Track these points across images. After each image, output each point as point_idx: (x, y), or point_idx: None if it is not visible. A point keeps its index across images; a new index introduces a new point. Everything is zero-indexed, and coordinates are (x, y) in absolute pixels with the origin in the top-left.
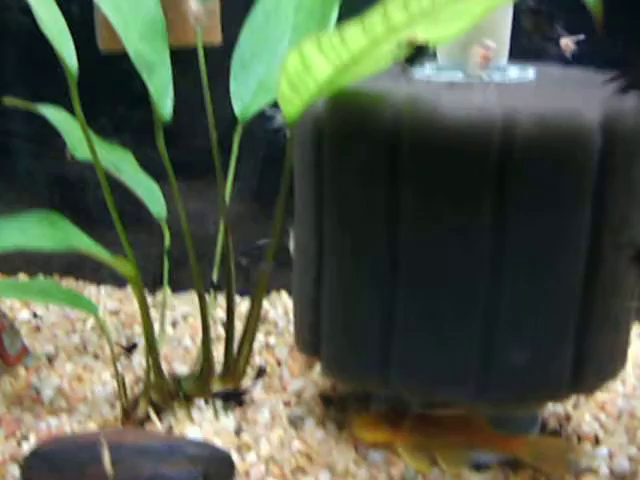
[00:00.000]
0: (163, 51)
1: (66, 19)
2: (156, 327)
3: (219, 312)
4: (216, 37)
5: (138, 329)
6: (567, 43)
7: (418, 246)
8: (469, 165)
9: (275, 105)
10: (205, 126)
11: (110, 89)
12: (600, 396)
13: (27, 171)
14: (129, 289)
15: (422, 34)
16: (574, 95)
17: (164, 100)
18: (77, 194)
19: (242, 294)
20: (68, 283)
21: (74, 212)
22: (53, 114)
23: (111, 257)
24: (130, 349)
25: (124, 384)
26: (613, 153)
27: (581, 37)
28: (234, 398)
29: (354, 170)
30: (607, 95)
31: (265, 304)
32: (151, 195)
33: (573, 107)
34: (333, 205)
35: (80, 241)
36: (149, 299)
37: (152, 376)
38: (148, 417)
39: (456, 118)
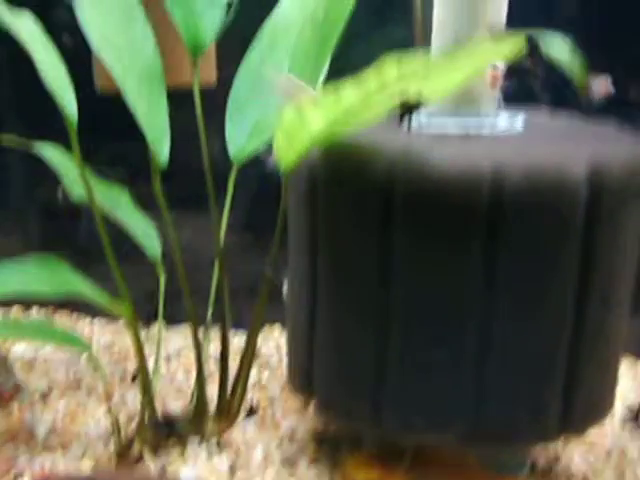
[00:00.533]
0: (161, 98)
1: (63, 54)
2: (150, 363)
3: (211, 347)
4: (211, 77)
5: (132, 364)
6: (602, 84)
7: (410, 292)
8: (460, 217)
9: (270, 146)
10: (199, 160)
11: (106, 122)
12: (589, 435)
13: (21, 202)
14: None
15: (414, 89)
16: (561, 147)
17: (161, 147)
18: (71, 225)
19: (234, 328)
20: (62, 315)
21: (67, 243)
22: (49, 153)
23: (108, 300)
24: (135, 378)
25: (118, 425)
26: (599, 204)
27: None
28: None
29: (348, 218)
30: (593, 147)
31: (258, 341)
32: (146, 235)
33: (560, 161)
34: (327, 251)
35: (78, 285)
36: (142, 333)
37: (146, 415)
38: (142, 456)
39: (447, 172)
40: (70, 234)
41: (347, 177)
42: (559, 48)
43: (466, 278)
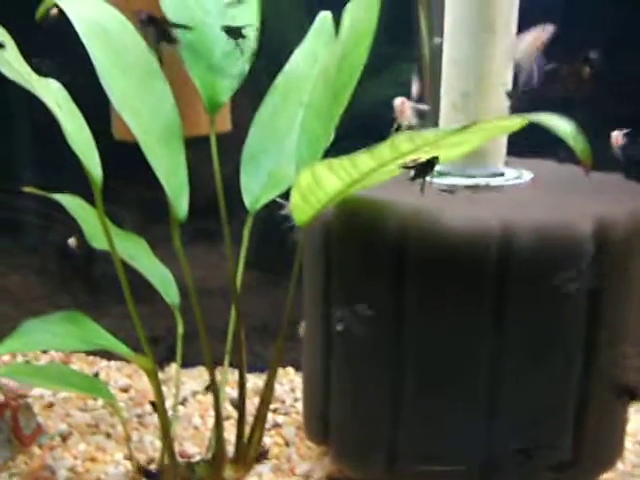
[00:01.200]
0: (179, 154)
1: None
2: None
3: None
4: (226, 126)
5: (149, 407)
6: (617, 137)
7: (423, 342)
8: (470, 273)
9: (285, 195)
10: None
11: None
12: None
13: (38, 243)
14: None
15: (426, 156)
16: (567, 202)
17: (180, 201)
18: (88, 266)
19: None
20: (79, 357)
21: (84, 283)
22: (69, 202)
23: (130, 353)
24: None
25: (139, 469)
26: (605, 259)
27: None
28: None
29: (361, 271)
30: (598, 202)
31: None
32: (164, 283)
33: (566, 219)
34: (341, 301)
35: (102, 339)
36: (159, 374)
37: (166, 460)
38: None
39: (457, 230)
40: (86, 275)
41: (360, 232)
42: (565, 129)
43: (476, 329)
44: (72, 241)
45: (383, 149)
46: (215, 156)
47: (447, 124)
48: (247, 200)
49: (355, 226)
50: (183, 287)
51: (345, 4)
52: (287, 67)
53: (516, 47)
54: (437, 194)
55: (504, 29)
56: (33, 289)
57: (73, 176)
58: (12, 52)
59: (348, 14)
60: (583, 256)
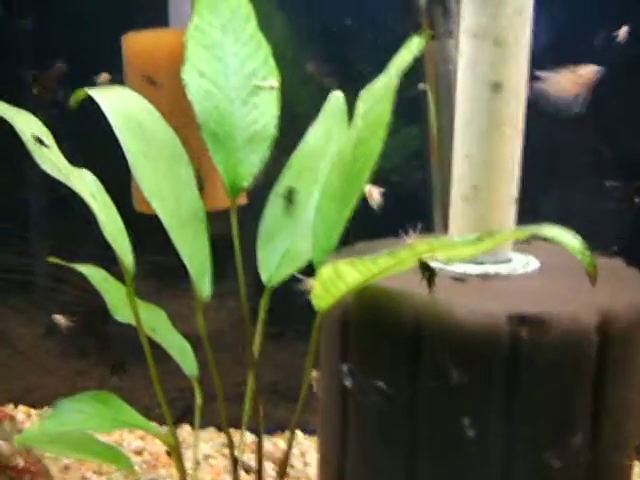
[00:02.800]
0: (203, 237)
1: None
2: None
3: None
4: (242, 200)
5: (164, 470)
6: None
7: (437, 426)
8: (481, 363)
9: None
10: None
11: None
12: None
13: (51, 294)
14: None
15: (441, 256)
16: (573, 294)
17: (203, 281)
18: (104, 321)
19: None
20: None
21: (100, 339)
22: (92, 274)
23: (159, 431)
24: None
25: None
26: (609, 349)
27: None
28: None
29: (378, 357)
30: (602, 292)
31: (281, 444)
32: (184, 355)
33: (572, 311)
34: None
35: (130, 418)
36: None
37: None
38: None
39: (469, 323)
40: (97, 333)
41: (378, 320)
42: (573, 244)
43: (487, 416)
44: (58, 317)
45: (403, 252)
46: (235, 231)
47: (457, 215)
48: (264, 275)
49: (373, 314)
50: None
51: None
52: (301, 146)
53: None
54: (449, 283)
55: (513, 128)
56: (43, 345)
57: (91, 241)
58: (52, 148)
59: (362, 102)
60: (588, 347)
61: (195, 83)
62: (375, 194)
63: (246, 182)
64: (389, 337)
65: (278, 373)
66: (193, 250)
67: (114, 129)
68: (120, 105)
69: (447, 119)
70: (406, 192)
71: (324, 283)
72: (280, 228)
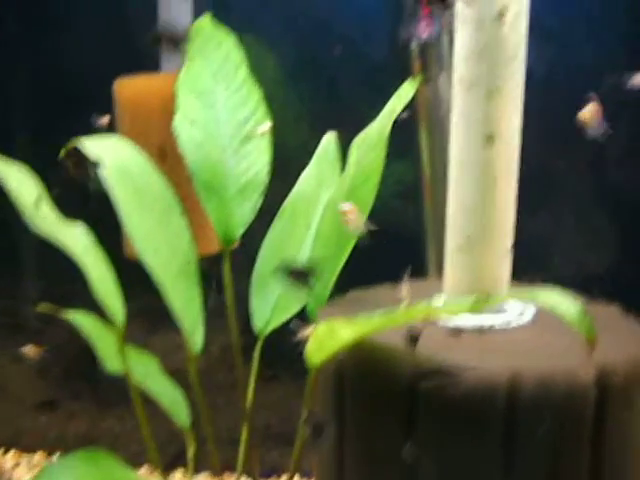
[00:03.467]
0: (196, 289)
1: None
2: None
3: None
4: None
5: None
6: None
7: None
8: (478, 420)
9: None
10: None
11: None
12: None
13: (41, 336)
14: (145, 469)
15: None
16: (570, 348)
17: (196, 336)
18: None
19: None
20: None
21: (91, 380)
22: (82, 320)
23: None
24: None
25: None
26: (607, 405)
27: None
28: None
29: (374, 411)
30: (600, 345)
31: None
32: (176, 405)
33: (570, 368)
34: (353, 439)
35: (124, 476)
36: None
37: None
38: None
39: (466, 384)
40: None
41: (373, 374)
42: (570, 312)
43: (485, 472)
44: (28, 348)
45: (397, 314)
46: (228, 280)
47: (452, 264)
48: (257, 323)
49: (368, 370)
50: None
51: None
52: (294, 190)
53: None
54: (444, 337)
55: (507, 179)
56: (33, 384)
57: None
58: (47, 207)
59: (356, 149)
60: (586, 403)
61: (186, 133)
62: (354, 215)
63: (239, 232)
64: (384, 393)
65: (272, 415)
66: (185, 304)
67: (106, 181)
68: (112, 156)
69: (440, 162)
70: (399, 230)
71: (318, 340)
72: (273, 274)
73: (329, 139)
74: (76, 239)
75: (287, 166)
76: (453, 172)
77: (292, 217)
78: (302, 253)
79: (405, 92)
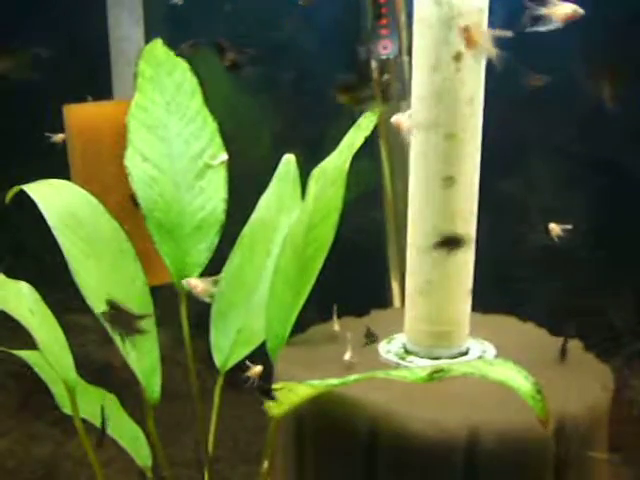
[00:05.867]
0: (152, 335)
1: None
2: None
3: None
4: None
5: None
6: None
7: None
8: (437, 474)
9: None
10: None
11: None
12: None
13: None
14: None
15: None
16: None
17: (152, 383)
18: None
19: None
20: None
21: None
22: (36, 360)
23: None
24: None
25: None
26: (567, 454)
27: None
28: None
29: (333, 461)
30: (560, 395)
31: None
32: (136, 443)
33: (529, 420)
34: None
35: None
36: None
37: None
38: None
39: (424, 437)
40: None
41: (333, 428)
42: (525, 389)
43: None
44: None
45: (354, 378)
46: (185, 321)
47: (412, 306)
48: (217, 359)
49: (327, 422)
50: None
51: None
52: (253, 217)
53: None
54: (405, 386)
55: (466, 220)
56: None
57: None
58: None
59: (314, 181)
60: (545, 455)
61: (138, 169)
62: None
63: (194, 273)
64: (344, 447)
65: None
66: (140, 351)
67: (52, 230)
68: (59, 203)
69: (402, 186)
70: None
71: (278, 394)
72: (233, 305)
73: (288, 160)
74: (22, 298)
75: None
76: (412, 215)
77: (251, 245)
78: (262, 280)
79: (365, 124)
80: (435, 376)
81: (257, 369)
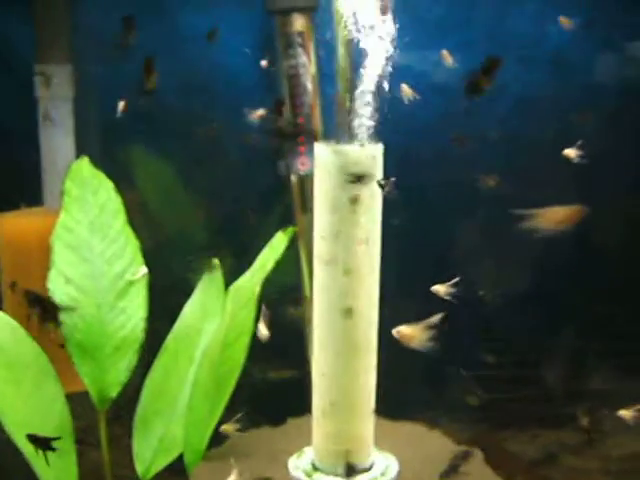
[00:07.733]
0: (71, 456)
1: None
2: None
3: None
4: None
5: None
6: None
7: None
8: None
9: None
10: None
11: None
12: None
13: None
14: None
15: None
16: None
17: None
18: None
19: None
20: None
21: None
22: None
23: None
24: None
25: None
26: None
27: None
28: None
29: None
30: None
31: None
32: None
33: None
34: None
35: None
36: None
37: None
38: None
39: None
40: None
41: None
42: None
43: None
44: None
45: None
46: (103, 437)
47: (318, 427)
48: (139, 468)
49: None
50: None
51: None
52: (177, 324)
53: None
54: None
55: (366, 348)
56: None
57: None
58: None
59: (230, 299)
60: None
61: (61, 292)
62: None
63: (114, 392)
64: None
65: None
66: (58, 473)
67: None
68: None
69: None
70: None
71: None
72: (156, 413)
73: (214, 265)
74: None
75: None
76: (315, 342)
77: (174, 353)
78: (185, 386)
79: (277, 244)
80: None
81: None
